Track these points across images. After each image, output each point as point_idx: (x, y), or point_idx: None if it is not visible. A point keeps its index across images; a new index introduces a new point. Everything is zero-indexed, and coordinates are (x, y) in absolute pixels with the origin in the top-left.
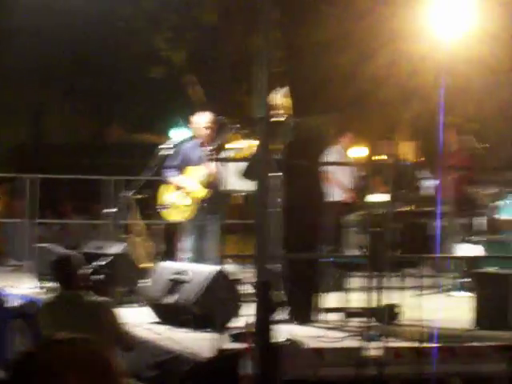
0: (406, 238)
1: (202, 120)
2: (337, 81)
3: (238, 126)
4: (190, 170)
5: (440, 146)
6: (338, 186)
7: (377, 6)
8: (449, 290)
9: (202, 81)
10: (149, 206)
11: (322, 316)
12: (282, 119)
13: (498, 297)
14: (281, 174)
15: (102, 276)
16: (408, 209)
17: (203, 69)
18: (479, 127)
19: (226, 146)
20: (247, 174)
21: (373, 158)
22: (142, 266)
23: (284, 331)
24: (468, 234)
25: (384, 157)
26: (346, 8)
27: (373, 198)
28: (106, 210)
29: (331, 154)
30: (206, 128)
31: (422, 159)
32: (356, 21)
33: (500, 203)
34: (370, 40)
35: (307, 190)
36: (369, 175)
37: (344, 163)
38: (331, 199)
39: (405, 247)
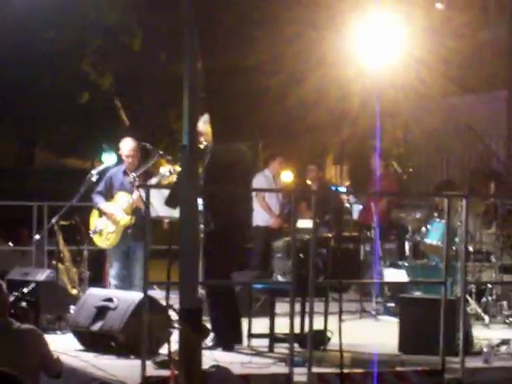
0: (332, 262)
1: (127, 146)
2: (266, 105)
3: (163, 152)
4: (115, 196)
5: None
6: (266, 210)
7: (306, 31)
8: (376, 315)
9: (129, 106)
10: (77, 232)
11: (248, 342)
12: (202, 146)
13: (423, 321)
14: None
15: (24, 303)
16: (334, 234)
17: (130, 94)
18: (406, 152)
19: (152, 171)
20: (168, 202)
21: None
22: (71, 292)
23: (210, 358)
24: (394, 258)
25: (310, 182)
26: (275, 32)
27: (298, 223)
28: (35, 236)
29: (258, 179)
30: (130, 155)
31: (348, 184)
32: (286, 45)
33: (425, 228)
34: (300, 64)
35: (231, 215)
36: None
37: (268, 189)
38: (259, 224)
39: (332, 272)
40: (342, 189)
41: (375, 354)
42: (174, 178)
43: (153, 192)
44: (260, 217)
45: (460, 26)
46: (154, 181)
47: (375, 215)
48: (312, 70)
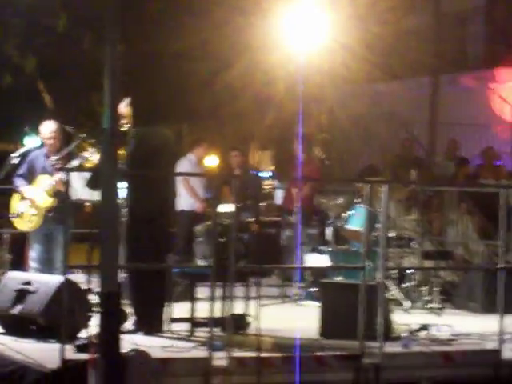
0: (254, 247)
1: (47, 129)
2: (193, 90)
3: (85, 135)
4: (37, 179)
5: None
6: (191, 194)
7: (233, 17)
8: (298, 300)
9: (52, 89)
10: None
11: (169, 326)
12: (125, 129)
13: (344, 306)
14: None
15: None
16: (255, 219)
17: (54, 76)
18: (330, 138)
19: (75, 154)
20: (89, 184)
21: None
22: None
23: (130, 341)
24: (316, 243)
25: (233, 167)
26: (203, 18)
27: (220, 208)
28: None
29: (183, 163)
30: (51, 137)
31: (273, 169)
32: (213, 30)
33: (347, 214)
34: (227, 50)
35: (155, 199)
36: (218, 185)
37: (193, 174)
38: (184, 209)
39: (253, 257)
40: (266, 174)
41: (295, 339)
42: (96, 161)
43: (74, 175)
44: (185, 201)
45: (384, 12)
46: (75, 163)
47: (297, 200)
48: (239, 55)
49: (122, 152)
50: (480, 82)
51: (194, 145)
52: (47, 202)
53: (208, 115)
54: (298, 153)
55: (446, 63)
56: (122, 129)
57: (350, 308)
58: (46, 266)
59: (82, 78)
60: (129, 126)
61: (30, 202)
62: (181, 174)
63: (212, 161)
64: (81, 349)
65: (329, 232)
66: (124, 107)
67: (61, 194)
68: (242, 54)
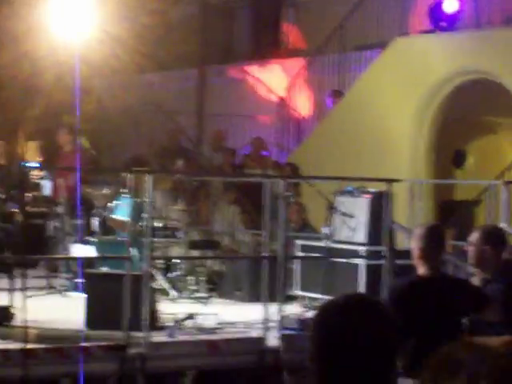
0: (19, 238)
1: None
2: None
3: None
4: None
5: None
6: None
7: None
8: (64, 291)
9: None
10: None
11: None
12: None
13: (110, 297)
14: None
15: None
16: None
17: None
18: (98, 128)
19: None
20: None
21: None
22: None
23: None
24: (82, 234)
25: None
26: None
27: None
28: None
29: None
30: None
31: (41, 159)
32: None
33: (113, 204)
34: None
35: None
36: None
37: None
38: None
39: (19, 248)
40: (34, 164)
41: (60, 330)
42: None
43: None
44: None
45: (152, 1)
46: None
47: (65, 191)
48: (4, 45)
49: None
50: (247, 73)
51: None
52: None
53: None
54: (64, 143)
55: (212, 55)
56: None
57: (115, 298)
58: None
59: None
60: None
61: None
62: None
63: None
64: None
65: (95, 222)
66: None
67: None
68: (8, 44)
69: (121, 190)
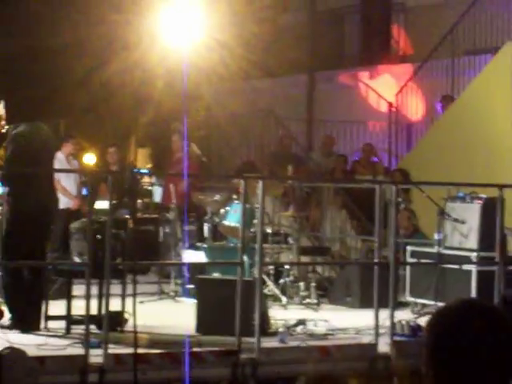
0: (131, 244)
1: None
2: (69, 88)
3: None
4: None
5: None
6: (63, 193)
7: (110, 14)
8: (175, 296)
9: None
10: None
11: (45, 324)
12: (3, 130)
13: (221, 302)
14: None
15: None
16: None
17: None
18: (208, 135)
19: None
20: None
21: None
22: None
23: (5, 339)
24: (193, 240)
25: (110, 164)
26: (79, 15)
27: (97, 205)
28: None
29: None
30: None
31: (151, 166)
32: (90, 27)
33: (224, 210)
34: (104, 48)
35: (34, 197)
36: (94, 182)
37: (68, 170)
38: (59, 207)
39: (130, 254)
40: (144, 171)
41: (172, 335)
42: None
43: None
44: (60, 199)
45: (261, 9)
46: None
47: (175, 197)
48: (116, 52)
49: (1, 152)
50: (356, 79)
51: (61, 142)
52: None
53: (85, 112)
54: (176, 149)
55: (322, 61)
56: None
57: (226, 304)
58: None
59: None
60: (7, 127)
61: None
62: (59, 170)
63: (89, 158)
64: None
65: (206, 228)
66: (2, 108)
67: None
68: (120, 52)
69: (232, 197)
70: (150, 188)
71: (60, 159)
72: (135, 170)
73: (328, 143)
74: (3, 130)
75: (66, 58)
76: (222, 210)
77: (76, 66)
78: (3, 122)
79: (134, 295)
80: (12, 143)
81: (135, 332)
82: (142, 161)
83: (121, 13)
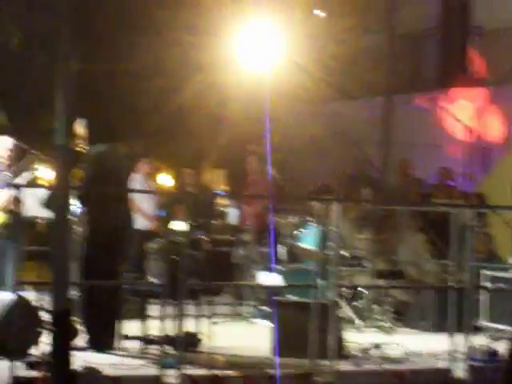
0: (206, 265)
1: (1, 145)
2: (146, 109)
3: (36, 152)
4: None
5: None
6: (140, 213)
7: (186, 36)
8: (250, 318)
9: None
10: None
11: (121, 344)
12: (80, 150)
13: (296, 324)
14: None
15: None
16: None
17: (6, 93)
18: (284, 157)
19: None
20: (45, 204)
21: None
22: None
23: (81, 359)
24: (269, 262)
25: (186, 185)
26: (155, 37)
27: (174, 225)
28: None
29: (131, 182)
30: (5, 153)
31: (226, 188)
32: (165, 50)
33: (300, 232)
34: (180, 69)
35: (113, 217)
36: (170, 203)
37: (145, 191)
38: (136, 227)
39: (205, 275)
40: (219, 193)
41: (247, 357)
42: (47, 178)
43: (26, 191)
44: (137, 219)
45: (340, 32)
46: (22, 180)
47: (251, 219)
48: (192, 74)
49: (77, 172)
50: (433, 102)
51: (137, 163)
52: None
53: (161, 133)
54: (252, 171)
55: (399, 83)
56: (77, 149)
57: (301, 326)
58: None
59: (36, 95)
60: (83, 147)
61: None
62: (138, 191)
63: (164, 179)
64: (31, 366)
65: (282, 250)
66: (79, 128)
67: (13, 211)
68: (196, 73)
69: (307, 219)
70: (225, 209)
71: (137, 180)
72: (211, 192)
73: (404, 166)
74: (78, 149)
75: (142, 81)
76: (297, 232)
77: (152, 88)
78: (82, 142)
79: (211, 316)
80: (89, 164)
81: (211, 353)
82: (217, 182)
83: (196, 34)
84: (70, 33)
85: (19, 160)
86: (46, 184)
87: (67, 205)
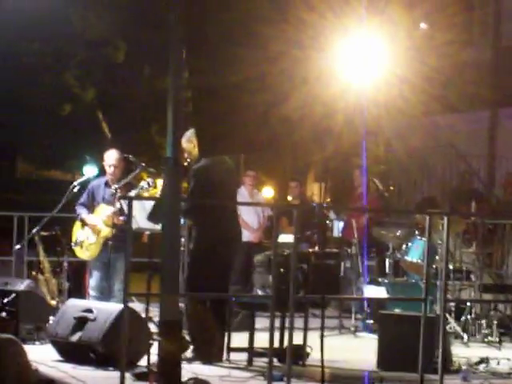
0: (312, 278)
1: (111, 157)
2: (250, 123)
3: (145, 165)
4: (97, 208)
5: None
6: (244, 226)
7: (290, 50)
8: (356, 331)
9: (111, 119)
10: (58, 243)
11: (228, 356)
12: (186, 163)
13: (403, 338)
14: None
15: (4, 313)
16: (313, 250)
17: (113, 107)
18: (387, 169)
19: (134, 184)
20: (151, 217)
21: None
22: (50, 303)
23: (189, 370)
24: (373, 275)
25: (291, 198)
26: (260, 50)
27: (279, 238)
28: (15, 246)
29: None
30: (114, 165)
31: (329, 200)
32: (270, 63)
33: (406, 245)
34: (284, 82)
35: (220, 229)
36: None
37: (251, 203)
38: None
39: (311, 288)
40: (324, 205)
41: (354, 370)
42: (154, 190)
43: (134, 204)
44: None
45: (443, 45)
46: (133, 193)
47: (356, 232)
48: (296, 88)
49: (184, 185)
50: None
51: (242, 177)
52: (106, 231)
53: (265, 146)
54: (358, 184)
55: (504, 97)
56: (184, 162)
57: (408, 340)
58: (104, 294)
59: (141, 108)
60: (189, 160)
61: (92, 231)
62: (242, 203)
63: (269, 192)
64: (140, 377)
65: (387, 264)
66: (185, 142)
67: (120, 223)
68: (300, 87)
69: (413, 232)
70: (329, 222)
71: (242, 194)
72: (317, 205)
73: (510, 180)
74: (186, 164)
75: (246, 94)
76: (404, 246)
77: (256, 101)
78: (185, 155)
79: (322, 328)
80: (194, 177)
81: (322, 366)
82: (321, 195)
83: (301, 48)
84: (183, 46)
85: (127, 173)
86: (153, 196)
87: (178, 217)
